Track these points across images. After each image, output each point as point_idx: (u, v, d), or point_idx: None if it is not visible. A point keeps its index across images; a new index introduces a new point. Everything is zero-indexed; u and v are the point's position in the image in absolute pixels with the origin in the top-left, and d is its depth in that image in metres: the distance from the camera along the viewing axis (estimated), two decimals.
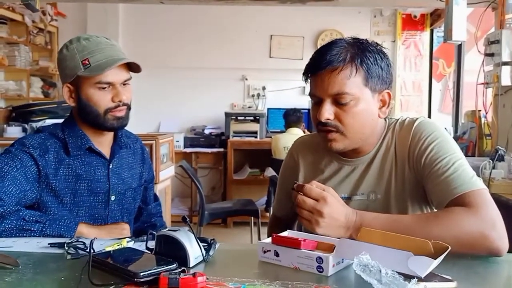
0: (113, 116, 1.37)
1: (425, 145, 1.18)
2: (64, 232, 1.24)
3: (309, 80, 1.21)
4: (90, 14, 5.29)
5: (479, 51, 3.25)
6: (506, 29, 2.91)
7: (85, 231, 1.27)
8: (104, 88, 1.35)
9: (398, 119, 1.27)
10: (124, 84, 1.39)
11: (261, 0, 3.67)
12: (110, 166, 1.44)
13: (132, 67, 1.40)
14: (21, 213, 1.24)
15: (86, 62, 1.33)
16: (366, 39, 1.21)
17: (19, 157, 1.32)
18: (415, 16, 5.41)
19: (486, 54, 3.06)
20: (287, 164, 1.42)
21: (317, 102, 1.18)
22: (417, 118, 1.25)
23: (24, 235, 1.22)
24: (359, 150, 1.24)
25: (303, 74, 1.22)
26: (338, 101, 1.15)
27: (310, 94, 1.21)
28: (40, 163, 1.33)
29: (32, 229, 1.23)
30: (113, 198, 1.44)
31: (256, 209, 3.62)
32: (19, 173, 1.30)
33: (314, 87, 1.18)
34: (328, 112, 1.15)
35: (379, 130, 1.25)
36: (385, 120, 1.28)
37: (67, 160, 1.37)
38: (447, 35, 2.90)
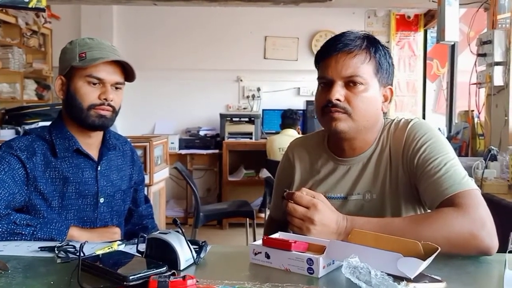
0: (96, 113, 1.36)
1: (418, 145, 1.18)
2: (56, 236, 1.24)
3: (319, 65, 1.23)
4: (84, 16, 5.28)
5: (471, 52, 3.26)
6: (498, 29, 2.92)
7: (77, 234, 1.27)
8: (94, 84, 1.35)
9: (393, 120, 1.28)
10: (116, 88, 1.39)
11: (253, 1, 3.67)
12: (99, 168, 1.43)
13: (127, 75, 1.41)
14: (12, 217, 1.24)
15: (83, 55, 1.35)
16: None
17: (6, 160, 1.31)
18: (408, 17, 5.43)
19: (479, 55, 3.08)
20: (283, 166, 1.42)
21: (327, 85, 1.20)
22: (412, 119, 1.26)
23: (15, 238, 1.21)
24: (356, 146, 1.25)
25: (315, 57, 1.24)
26: (349, 84, 1.18)
27: (319, 77, 1.23)
28: (27, 166, 1.32)
29: (23, 232, 1.22)
30: (101, 200, 1.43)
31: (252, 210, 3.63)
32: (7, 176, 1.29)
33: (326, 69, 1.20)
34: (339, 93, 1.17)
35: (378, 128, 1.26)
36: (384, 119, 1.29)
37: (54, 163, 1.36)
38: (440, 36, 2.91)
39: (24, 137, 1.38)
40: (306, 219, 1.05)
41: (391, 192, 1.22)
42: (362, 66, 1.18)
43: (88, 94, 1.35)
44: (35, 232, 1.23)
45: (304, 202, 1.06)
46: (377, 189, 1.23)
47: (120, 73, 1.39)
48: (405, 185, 1.21)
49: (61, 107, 1.45)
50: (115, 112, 1.40)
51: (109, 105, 1.36)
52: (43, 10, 2.45)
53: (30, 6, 2.33)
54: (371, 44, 1.21)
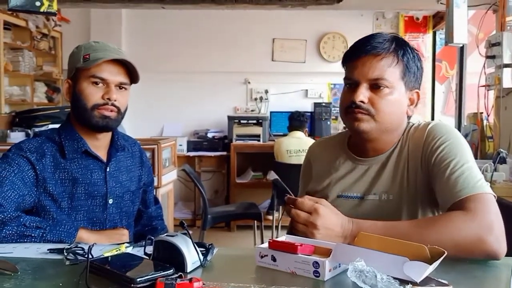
0: (99, 113, 1.38)
1: (437, 145, 1.18)
2: (65, 238, 1.25)
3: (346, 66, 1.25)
4: (94, 19, 5.33)
5: (480, 54, 3.24)
6: (507, 31, 2.90)
7: (85, 236, 1.28)
8: (97, 83, 1.37)
9: (414, 124, 1.29)
10: (120, 88, 1.41)
11: (261, 4, 3.68)
12: (107, 169, 1.45)
13: (132, 77, 1.42)
14: (21, 219, 1.25)
15: (87, 56, 1.38)
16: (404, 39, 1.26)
17: (16, 161, 1.33)
18: (417, 19, 5.41)
19: (488, 56, 3.06)
20: (303, 168, 1.44)
21: (352, 86, 1.21)
22: (432, 121, 1.26)
23: (25, 241, 1.23)
24: (377, 147, 1.25)
25: (343, 58, 1.26)
26: (374, 87, 1.19)
27: (346, 78, 1.24)
28: (37, 167, 1.34)
29: (33, 235, 1.24)
30: (110, 201, 1.44)
31: (259, 212, 3.63)
32: (17, 177, 1.31)
33: (352, 70, 1.21)
34: (363, 94, 1.18)
35: (400, 130, 1.27)
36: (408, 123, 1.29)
37: (63, 164, 1.38)
38: (448, 38, 2.90)
39: (34, 139, 1.40)
40: (309, 224, 1.05)
41: (408, 194, 1.21)
42: (389, 70, 1.18)
43: (92, 94, 1.37)
44: (44, 234, 1.24)
45: (306, 208, 1.06)
46: (395, 190, 1.23)
47: (124, 74, 1.40)
48: (423, 186, 1.20)
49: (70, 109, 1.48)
50: (120, 113, 1.41)
51: (113, 105, 1.38)
52: (54, 14, 2.48)
53: (41, 10, 2.36)
54: (400, 47, 1.21)
